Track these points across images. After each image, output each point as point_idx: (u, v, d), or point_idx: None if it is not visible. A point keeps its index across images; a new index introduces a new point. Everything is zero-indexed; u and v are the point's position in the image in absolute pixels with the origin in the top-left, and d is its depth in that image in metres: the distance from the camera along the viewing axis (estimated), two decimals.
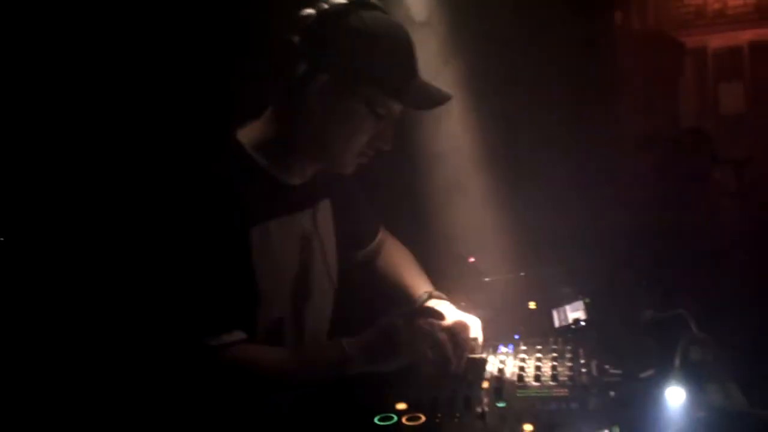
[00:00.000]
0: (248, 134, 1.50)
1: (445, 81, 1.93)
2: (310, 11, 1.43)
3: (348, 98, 1.44)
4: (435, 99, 1.51)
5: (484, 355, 1.73)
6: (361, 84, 1.44)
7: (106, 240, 2.05)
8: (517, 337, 1.86)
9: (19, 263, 2.06)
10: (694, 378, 1.48)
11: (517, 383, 1.58)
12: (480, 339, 1.70)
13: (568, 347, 1.76)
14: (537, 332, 1.88)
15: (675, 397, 1.38)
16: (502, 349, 1.79)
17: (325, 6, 1.43)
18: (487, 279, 2.14)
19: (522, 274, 2.19)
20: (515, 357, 1.72)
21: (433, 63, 1.58)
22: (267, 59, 1.55)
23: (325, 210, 1.67)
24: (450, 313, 1.74)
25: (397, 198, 2.10)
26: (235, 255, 1.40)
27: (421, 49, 1.53)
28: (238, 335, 1.39)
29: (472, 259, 2.34)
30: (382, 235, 1.94)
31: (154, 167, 1.80)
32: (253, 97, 1.57)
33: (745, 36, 5.08)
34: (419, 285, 1.84)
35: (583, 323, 1.89)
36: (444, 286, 1.94)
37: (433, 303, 1.77)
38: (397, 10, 2.37)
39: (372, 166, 1.59)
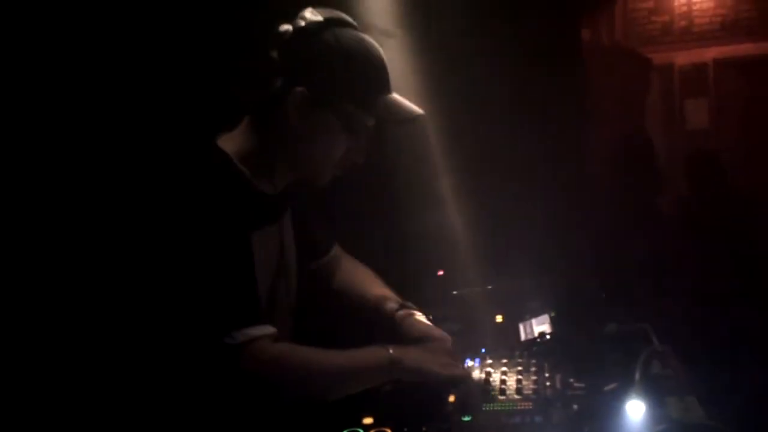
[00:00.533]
0: (228, 144, 1.53)
1: (411, 95, 1.95)
2: (287, 27, 1.48)
3: (323, 113, 1.48)
4: (406, 114, 1.57)
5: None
6: (336, 99, 1.48)
7: (113, 245, 2.04)
8: (483, 350, 1.88)
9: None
10: (655, 391, 1.51)
11: (482, 397, 1.60)
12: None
13: (534, 361, 1.78)
14: (503, 345, 1.90)
15: (636, 410, 1.41)
16: (469, 362, 1.81)
17: (302, 23, 1.47)
18: (455, 292, 2.16)
19: (489, 287, 2.21)
20: (481, 370, 1.74)
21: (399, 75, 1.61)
22: (246, 71, 1.57)
23: (288, 219, 1.69)
24: (423, 326, 1.76)
25: (364, 210, 2.11)
26: (240, 258, 1.42)
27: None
28: (268, 329, 1.40)
29: (440, 272, 2.35)
30: (338, 251, 1.96)
31: (152, 173, 1.79)
32: (231, 108, 1.59)
33: (710, 53, 5.19)
34: (387, 296, 1.86)
35: (548, 336, 1.92)
36: (413, 299, 1.96)
37: (406, 313, 1.78)
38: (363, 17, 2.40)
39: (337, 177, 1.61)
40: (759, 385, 2.71)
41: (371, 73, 1.50)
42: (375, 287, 1.89)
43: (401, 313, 1.79)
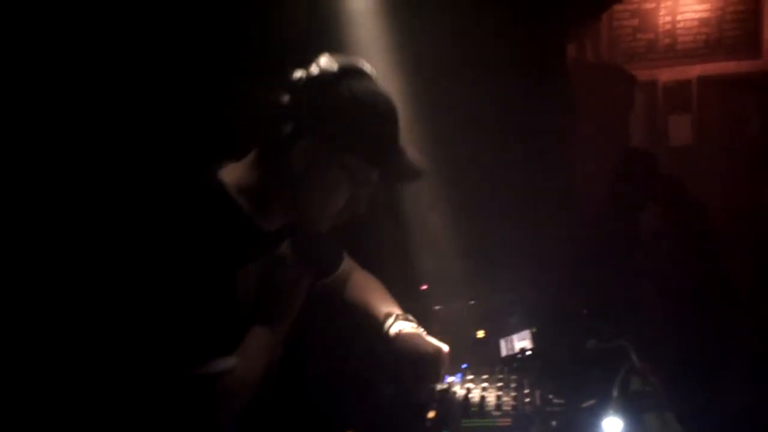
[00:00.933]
0: (229, 175, 1.51)
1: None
2: (302, 74, 1.45)
3: (328, 162, 1.46)
4: (413, 172, 1.54)
5: (446, 385, 1.74)
6: (342, 151, 1.46)
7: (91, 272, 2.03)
8: (464, 366, 1.88)
9: None
10: (633, 408, 1.53)
11: (462, 412, 1.60)
12: (445, 366, 1.71)
13: (514, 377, 1.79)
14: (484, 361, 1.91)
15: (612, 427, 1.42)
16: (449, 378, 1.81)
17: (317, 71, 1.44)
18: (437, 307, 2.16)
19: (471, 302, 2.21)
20: (462, 386, 1.75)
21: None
22: (256, 111, 1.56)
23: (286, 248, 1.67)
24: (419, 340, 1.74)
25: (345, 224, 2.12)
26: (219, 293, 1.40)
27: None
28: (228, 363, 1.39)
29: (424, 287, 2.36)
30: (347, 265, 1.95)
31: (141, 197, 1.78)
32: (237, 142, 1.57)
33: (694, 71, 5.25)
34: (386, 309, 1.84)
35: (529, 352, 1.93)
36: None
37: (399, 326, 1.77)
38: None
39: None
40: (737, 401, 2.74)
41: (382, 129, 1.48)
42: (377, 302, 1.87)
43: (392, 332, 1.76)
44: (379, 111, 1.47)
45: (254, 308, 1.54)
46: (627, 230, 3.04)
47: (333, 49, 1.50)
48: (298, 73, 1.45)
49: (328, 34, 2.40)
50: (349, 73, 1.46)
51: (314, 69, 1.44)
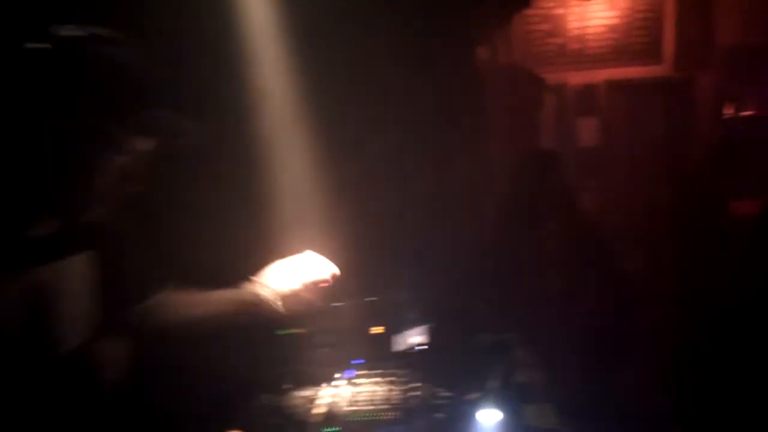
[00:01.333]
0: None
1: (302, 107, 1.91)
2: (38, 44, 1.32)
3: (83, 136, 1.33)
4: (168, 130, 1.47)
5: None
6: (95, 120, 1.33)
7: None
8: (359, 362, 1.91)
9: None
10: (514, 399, 1.58)
11: (351, 407, 1.63)
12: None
13: (406, 371, 1.82)
14: (379, 357, 1.93)
15: (488, 418, 1.47)
16: (337, 375, 1.83)
17: (57, 37, 1.33)
18: (335, 304, 2.17)
19: (373, 298, 2.23)
20: (354, 382, 1.77)
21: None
22: None
23: (78, 263, 1.47)
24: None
25: (241, 220, 2.09)
26: None
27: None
28: None
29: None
30: (169, 295, 1.66)
31: None
32: None
33: (602, 75, 5.47)
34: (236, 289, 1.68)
35: (423, 347, 1.97)
36: None
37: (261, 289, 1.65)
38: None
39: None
40: (622, 395, 2.88)
41: (132, 92, 1.38)
42: (220, 294, 1.67)
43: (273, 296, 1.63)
44: (128, 74, 1.38)
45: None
46: (528, 228, 3.13)
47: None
48: (34, 44, 1.32)
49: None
50: (93, 38, 1.36)
51: (55, 35, 1.33)
